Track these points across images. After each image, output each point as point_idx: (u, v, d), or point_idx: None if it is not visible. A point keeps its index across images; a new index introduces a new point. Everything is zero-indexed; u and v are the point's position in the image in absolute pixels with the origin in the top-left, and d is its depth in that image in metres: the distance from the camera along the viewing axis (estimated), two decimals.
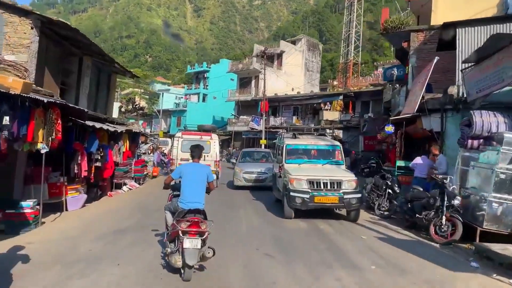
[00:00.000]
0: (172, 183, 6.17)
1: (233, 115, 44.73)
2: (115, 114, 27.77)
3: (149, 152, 24.95)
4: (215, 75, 52.00)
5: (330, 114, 29.79)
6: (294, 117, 38.85)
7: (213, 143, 16.43)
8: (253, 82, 44.78)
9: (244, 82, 45.68)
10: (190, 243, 5.21)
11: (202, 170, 5.96)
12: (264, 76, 35.68)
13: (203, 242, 5.37)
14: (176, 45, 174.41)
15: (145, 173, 18.18)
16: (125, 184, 15.43)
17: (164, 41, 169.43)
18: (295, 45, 46.52)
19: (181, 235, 5.25)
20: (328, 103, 34.13)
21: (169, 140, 34.48)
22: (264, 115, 36.50)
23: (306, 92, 41.69)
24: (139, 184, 16.93)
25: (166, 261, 5.82)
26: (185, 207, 5.61)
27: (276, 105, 41.10)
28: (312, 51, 48.57)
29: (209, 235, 5.56)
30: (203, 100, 53.66)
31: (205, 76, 53.11)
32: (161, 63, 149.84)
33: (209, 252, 5.32)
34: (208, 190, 6.03)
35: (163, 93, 50.64)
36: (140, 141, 18.87)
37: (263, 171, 16.33)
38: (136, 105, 45.33)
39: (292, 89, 42.17)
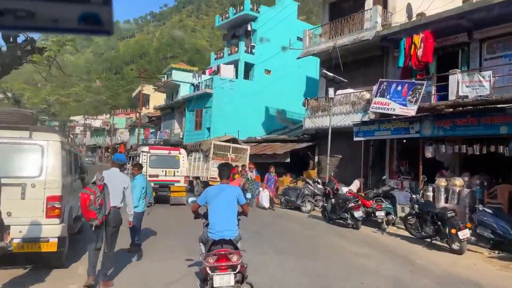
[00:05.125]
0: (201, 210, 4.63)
1: (333, 76, 15.72)
2: None
3: None
4: (269, 27, 23.78)
5: None
6: None
7: (182, 158, 14.12)
8: None
9: (347, 6, 16.82)
10: (221, 280, 3.85)
11: (230, 192, 4.45)
12: None
13: (239, 276, 3.98)
14: None
15: None
16: None
17: (208, 60, 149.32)
18: None
19: (209, 272, 3.87)
20: None
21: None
22: None
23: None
24: None
25: None
26: (214, 237, 4.20)
27: (464, 41, 11.96)
28: None
29: (247, 267, 4.06)
30: (246, 76, 25.28)
31: (249, 29, 24.84)
32: None
33: None
34: (243, 213, 4.55)
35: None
36: None
37: None
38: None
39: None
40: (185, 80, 33.19)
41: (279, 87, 24.80)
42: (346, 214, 9.83)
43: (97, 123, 73.53)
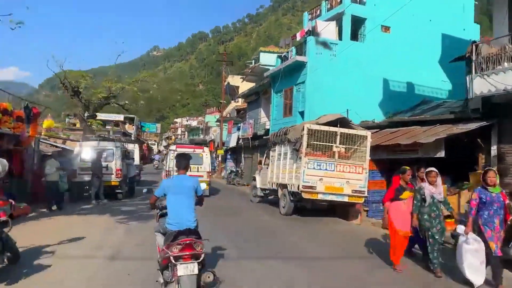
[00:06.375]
0: (159, 202, 4.61)
1: None
2: None
3: None
4: None
5: None
6: None
7: (205, 156, 15.75)
8: None
9: None
10: (185, 269, 3.86)
11: (188, 183, 4.40)
12: None
13: (201, 265, 4.02)
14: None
15: None
16: None
17: None
18: None
19: (173, 261, 3.86)
20: None
21: None
22: None
23: None
24: None
25: None
26: (174, 228, 4.14)
27: None
28: None
29: (206, 256, 4.11)
30: (354, 36, 17.66)
31: None
32: None
33: (208, 277, 4.05)
34: (199, 202, 4.59)
35: None
36: None
37: None
38: None
39: None
40: (274, 64, 26.96)
41: (403, 50, 16.84)
42: None
43: (195, 123, 74.63)
